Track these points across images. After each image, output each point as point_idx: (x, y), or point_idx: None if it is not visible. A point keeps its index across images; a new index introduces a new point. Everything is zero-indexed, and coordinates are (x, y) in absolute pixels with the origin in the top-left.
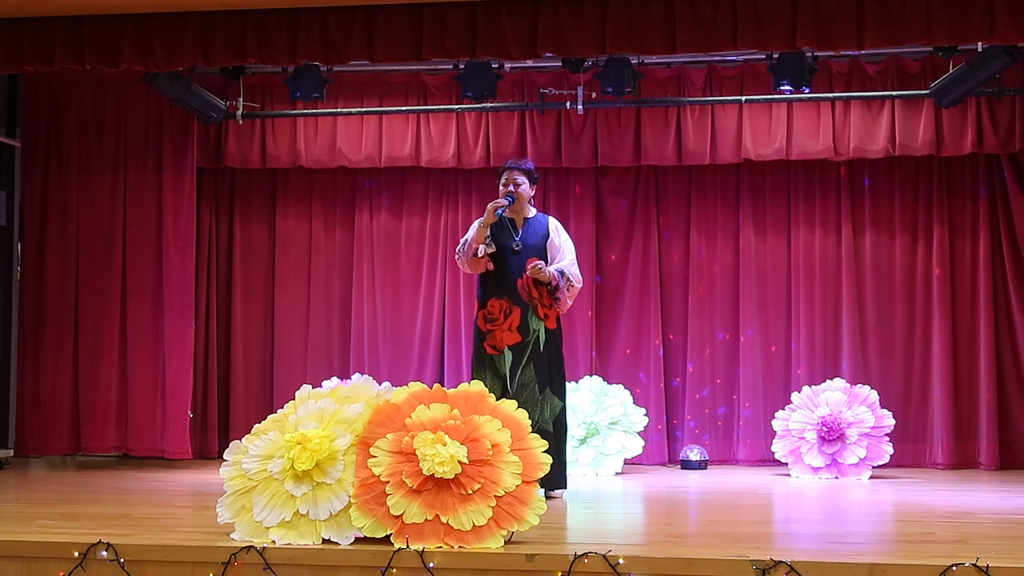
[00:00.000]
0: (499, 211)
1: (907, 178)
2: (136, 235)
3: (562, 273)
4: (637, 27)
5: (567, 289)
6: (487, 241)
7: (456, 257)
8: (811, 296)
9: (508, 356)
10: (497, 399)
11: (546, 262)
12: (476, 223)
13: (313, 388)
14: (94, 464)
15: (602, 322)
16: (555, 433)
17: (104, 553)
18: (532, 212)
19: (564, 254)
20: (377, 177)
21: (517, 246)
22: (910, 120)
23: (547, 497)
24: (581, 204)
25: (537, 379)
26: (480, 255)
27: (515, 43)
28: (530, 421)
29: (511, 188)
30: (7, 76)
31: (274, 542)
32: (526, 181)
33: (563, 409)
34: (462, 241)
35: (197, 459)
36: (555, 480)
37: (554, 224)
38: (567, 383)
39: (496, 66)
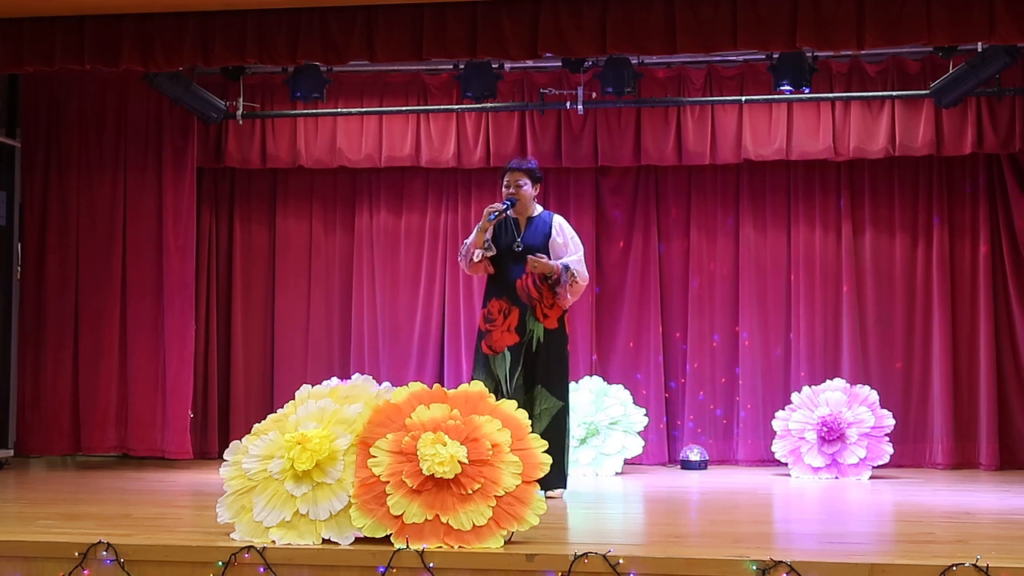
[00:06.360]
0: (491, 216)
1: (907, 178)
2: (136, 235)
3: (567, 268)
4: (637, 27)
5: (570, 284)
6: (486, 245)
7: (458, 259)
8: (811, 296)
9: (507, 357)
10: None
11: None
12: (478, 227)
13: (313, 388)
14: (94, 464)
15: (602, 322)
16: (546, 432)
17: (104, 553)
18: (537, 211)
19: (570, 251)
20: (377, 177)
21: (518, 247)
22: (910, 120)
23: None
24: (581, 204)
25: (526, 379)
26: (477, 259)
27: (515, 43)
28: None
29: (512, 191)
30: (7, 76)
31: (274, 542)
32: (528, 182)
33: (562, 409)
34: (463, 244)
35: (197, 459)
36: (551, 480)
37: (558, 222)
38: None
39: (496, 66)
